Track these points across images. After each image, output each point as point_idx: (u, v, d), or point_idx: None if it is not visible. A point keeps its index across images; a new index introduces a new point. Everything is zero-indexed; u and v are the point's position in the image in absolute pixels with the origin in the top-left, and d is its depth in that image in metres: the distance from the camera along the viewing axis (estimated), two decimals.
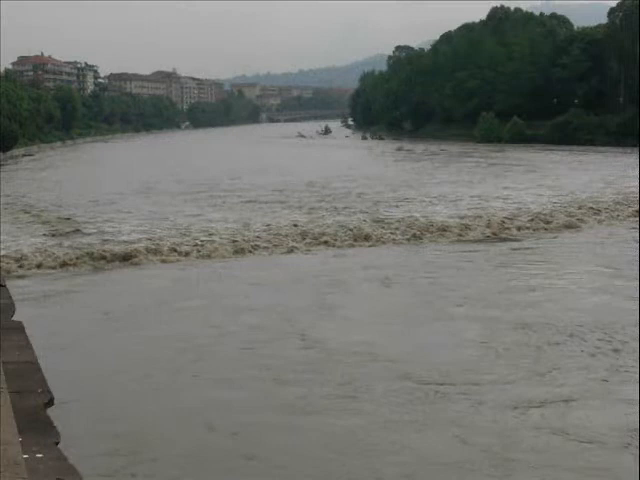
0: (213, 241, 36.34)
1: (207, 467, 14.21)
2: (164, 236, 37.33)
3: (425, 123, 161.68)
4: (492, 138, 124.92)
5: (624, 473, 13.69)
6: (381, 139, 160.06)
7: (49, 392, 7.14)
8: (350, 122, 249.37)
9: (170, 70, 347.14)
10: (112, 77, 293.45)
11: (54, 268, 32.21)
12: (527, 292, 27.14)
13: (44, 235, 38.49)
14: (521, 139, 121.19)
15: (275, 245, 36.13)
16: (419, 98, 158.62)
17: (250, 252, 35.24)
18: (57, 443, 6.25)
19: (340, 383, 17.99)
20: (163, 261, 33.66)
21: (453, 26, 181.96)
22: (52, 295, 27.86)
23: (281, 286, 28.68)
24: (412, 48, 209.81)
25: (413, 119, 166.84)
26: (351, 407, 16.71)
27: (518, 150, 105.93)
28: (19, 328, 9.56)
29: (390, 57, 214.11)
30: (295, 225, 39.97)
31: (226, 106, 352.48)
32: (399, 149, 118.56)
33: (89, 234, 38.57)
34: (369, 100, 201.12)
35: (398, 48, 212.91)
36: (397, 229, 39.20)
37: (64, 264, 32.61)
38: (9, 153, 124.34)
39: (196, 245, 35.54)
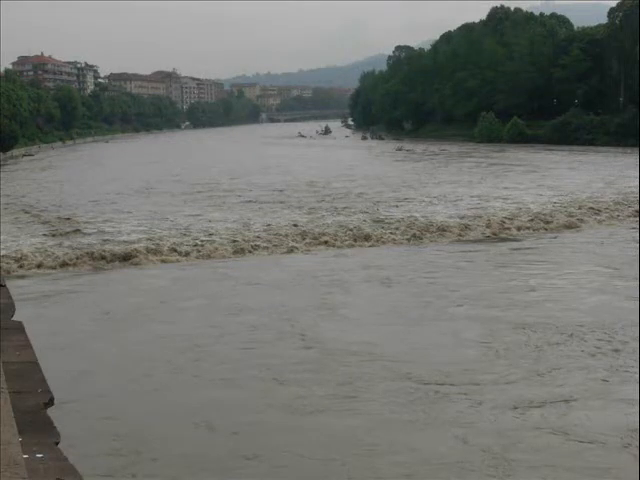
0: (213, 241, 36.37)
1: (207, 467, 14.22)
2: (164, 236, 37.37)
3: (425, 123, 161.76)
4: (492, 138, 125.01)
5: (624, 473, 13.70)
6: (381, 139, 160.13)
7: (49, 392, 7.14)
8: (350, 122, 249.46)
9: (170, 70, 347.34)
10: (112, 77, 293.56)
11: (54, 268, 32.24)
12: (527, 292, 27.17)
13: (44, 235, 38.50)
14: (521, 139, 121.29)
15: (275, 245, 36.14)
16: (419, 98, 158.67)
17: (250, 252, 35.26)
18: (57, 443, 6.25)
19: (340, 383, 18.00)
20: (163, 261, 33.69)
21: (453, 26, 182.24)
22: (52, 295, 27.87)
23: (281, 286, 28.68)
24: (412, 48, 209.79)
25: (413, 119, 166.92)
26: (351, 407, 16.72)
27: (518, 150, 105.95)
28: (19, 328, 9.55)
29: (390, 57, 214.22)
30: (295, 225, 39.99)
31: (226, 106, 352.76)
32: (399, 149, 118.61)
33: (89, 234, 38.59)
34: (369, 100, 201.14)
35: (398, 48, 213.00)
36: (397, 229, 39.23)
37: (64, 264, 32.65)
38: (9, 153, 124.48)
39: (196, 245, 35.56)
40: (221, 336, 22.25)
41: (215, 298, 26.83)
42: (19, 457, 5.56)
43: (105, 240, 36.66)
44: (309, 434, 15.49)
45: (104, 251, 34.21)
